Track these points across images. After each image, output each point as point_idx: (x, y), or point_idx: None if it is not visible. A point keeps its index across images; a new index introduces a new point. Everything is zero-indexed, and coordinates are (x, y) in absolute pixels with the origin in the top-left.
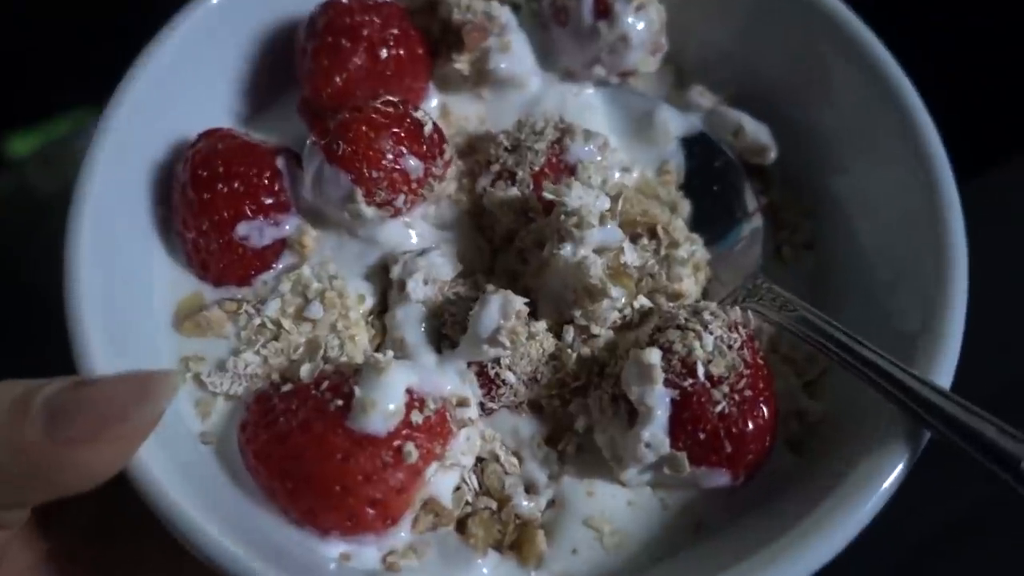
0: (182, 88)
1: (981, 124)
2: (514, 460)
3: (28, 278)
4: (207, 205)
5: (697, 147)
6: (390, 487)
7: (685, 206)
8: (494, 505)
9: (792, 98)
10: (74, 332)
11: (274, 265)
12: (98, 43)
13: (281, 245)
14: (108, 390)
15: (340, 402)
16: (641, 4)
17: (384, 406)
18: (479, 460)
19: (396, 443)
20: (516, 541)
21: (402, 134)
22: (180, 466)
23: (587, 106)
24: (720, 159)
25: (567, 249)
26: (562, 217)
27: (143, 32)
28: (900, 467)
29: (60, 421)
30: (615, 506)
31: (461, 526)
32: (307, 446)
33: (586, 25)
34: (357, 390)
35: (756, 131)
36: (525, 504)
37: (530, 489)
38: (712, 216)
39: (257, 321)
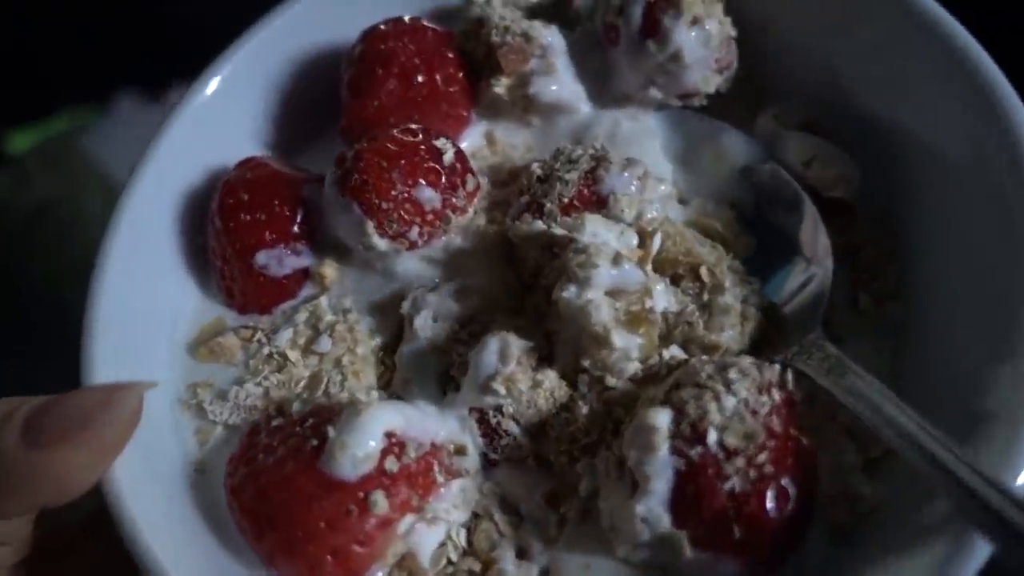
0: (229, 121)
1: None
2: (512, 519)
3: (26, 273)
4: (231, 233)
5: (764, 178)
6: (352, 537)
7: (747, 243)
8: (478, 568)
9: (882, 124)
10: (84, 351)
11: (296, 294)
12: (98, 41)
13: (303, 275)
14: (78, 399)
15: (316, 442)
16: (696, 17)
17: (355, 450)
18: (474, 516)
19: (363, 491)
20: None
21: (416, 163)
22: (166, 496)
23: (643, 132)
24: (789, 191)
25: (571, 291)
26: (570, 255)
27: (142, 31)
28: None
29: (33, 427)
30: None
31: None
32: (276, 485)
33: (635, 43)
34: (331, 431)
35: (833, 159)
36: (512, 570)
37: (523, 554)
38: (776, 255)
39: (266, 351)
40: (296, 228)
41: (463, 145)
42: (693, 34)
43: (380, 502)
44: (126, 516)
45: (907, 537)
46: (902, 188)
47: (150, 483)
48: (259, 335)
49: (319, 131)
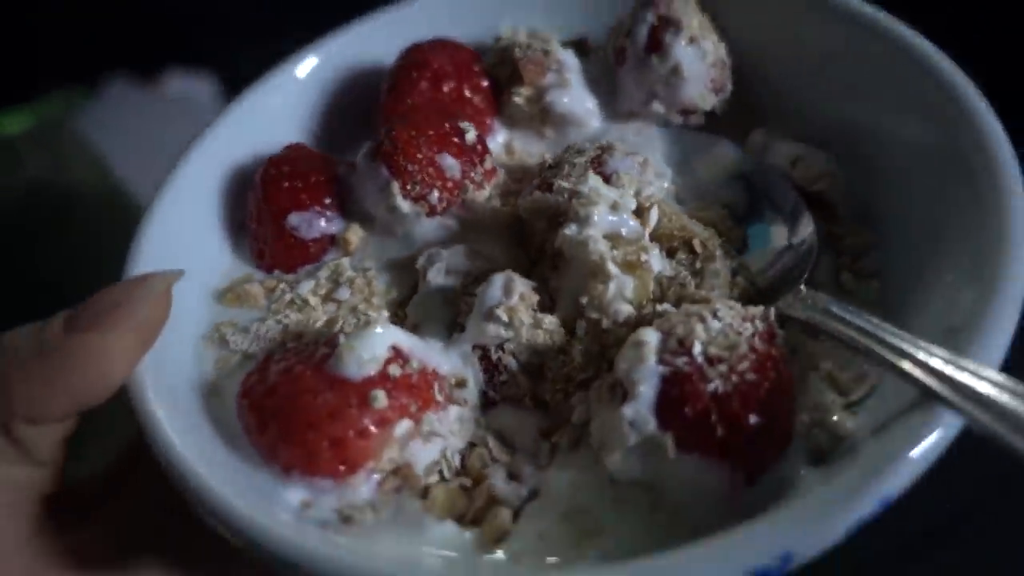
0: (279, 115)
1: None
2: (506, 450)
3: (18, 255)
4: (268, 198)
5: (755, 179)
6: (351, 428)
7: (739, 236)
8: (469, 483)
9: (862, 131)
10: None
11: (321, 258)
12: (88, 24)
13: (329, 241)
14: (110, 289)
15: (327, 350)
16: (693, 36)
17: (361, 352)
18: (471, 446)
19: (366, 388)
20: (478, 516)
21: (442, 135)
22: (178, 406)
23: (646, 143)
24: (777, 189)
25: (572, 228)
26: (572, 201)
27: (133, 14)
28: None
29: (74, 315)
30: (598, 501)
31: (426, 492)
32: (283, 383)
33: (640, 59)
34: (341, 338)
35: (815, 158)
36: (501, 484)
37: (514, 478)
38: (765, 243)
39: (288, 296)
40: (328, 197)
41: None
42: (691, 50)
43: (380, 398)
44: (154, 421)
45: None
46: (879, 185)
47: (172, 401)
48: (282, 285)
49: (358, 139)
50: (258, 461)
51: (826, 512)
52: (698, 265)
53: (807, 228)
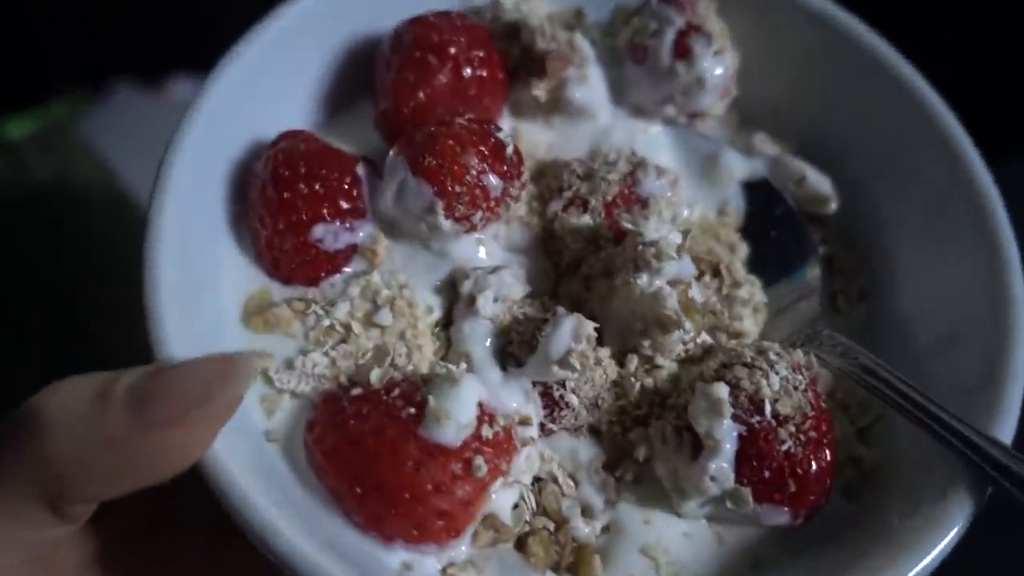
0: (264, 91)
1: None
2: (571, 483)
3: (24, 259)
4: (286, 204)
5: (758, 192)
6: (458, 499)
7: (743, 248)
8: (552, 526)
9: (853, 151)
10: (152, 321)
11: (344, 269)
12: (93, 28)
13: (352, 250)
14: (190, 372)
15: (412, 410)
16: (720, 49)
17: (458, 417)
18: (536, 480)
19: (467, 455)
20: (573, 564)
21: (487, 152)
22: (248, 463)
23: (654, 143)
24: (780, 206)
25: (643, 279)
26: (639, 247)
27: (138, 18)
28: (962, 521)
29: (146, 406)
30: (671, 536)
31: (520, 544)
32: (379, 451)
33: (664, 64)
34: (431, 399)
35: (819, 182)
36: (582, 527)
37: (586, 513)
38: (769, 261)
39: (326, 323)
40: (351, 204)
41: None
42: (716, 63)
43: (482, 466)
44: (230, 482)
45: (904, 491)
46: (872, 208)
47: (233, 448)
48: (314, 307)
49: (340, 111)
50: (341, 513)
51: None
52: (725, 291)
53: (814, 259)
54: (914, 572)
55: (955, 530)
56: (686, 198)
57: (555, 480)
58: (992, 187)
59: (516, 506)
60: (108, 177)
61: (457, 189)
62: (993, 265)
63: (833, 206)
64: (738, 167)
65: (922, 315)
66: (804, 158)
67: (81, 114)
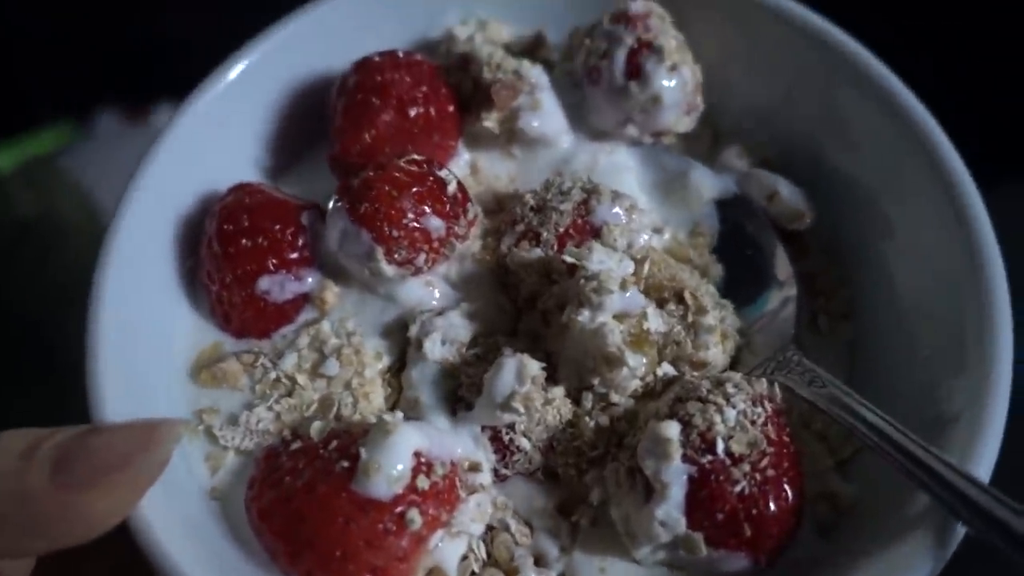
0: (215, 143)
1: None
2: (525, 530)
3: (6, 293)
4: (231, 259)
5: (731, 210)
6: (391, 554)
7: (717, 270)
8: None
9: (829, 161)
10: (91, 381)
11: (295, 319)
12: (80, 58)
13: (303, 300)
14: (112, 436)
15: (346, 463)
16: (674, 64)
17: (389, 470)
18: (489, 528)
19: (399, 509)
20: None
21: (424, 193)
22: (186, 522)
23: (619, 166)
24: (753, 223)
25: (584, 315)
26: (581, 281)
27: (123, 51)
28: (931, 566)
29: (63, 467)
30: None
31: None
32: (309, 507)
33: (617, 85)
34: (363, 452)
35: (792, 196)
36: None
37: (539, 561)
38: (744, 281)
39: (273, 375)
40: (297, 254)
41: None
42: (671, 79)
43: (416, 520)
44: (155, 544)
45: (881, 528)
46: (851, 221)
47: (169, 511)
48: (262, 359)
49: (300, 155)
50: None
51: None
52: (690, 319)
53: (790, 283)
54: None
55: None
56: (655, 220)
57: (507, 528)
58: (977, 199)
59: (465, 558)
60: (91, 211)
61: (395, 234)
62: (980, 286)
63: (808, 221)
64: (708, 185)
65: (906, 334)
66: (778, 171)
67: (65, 146)
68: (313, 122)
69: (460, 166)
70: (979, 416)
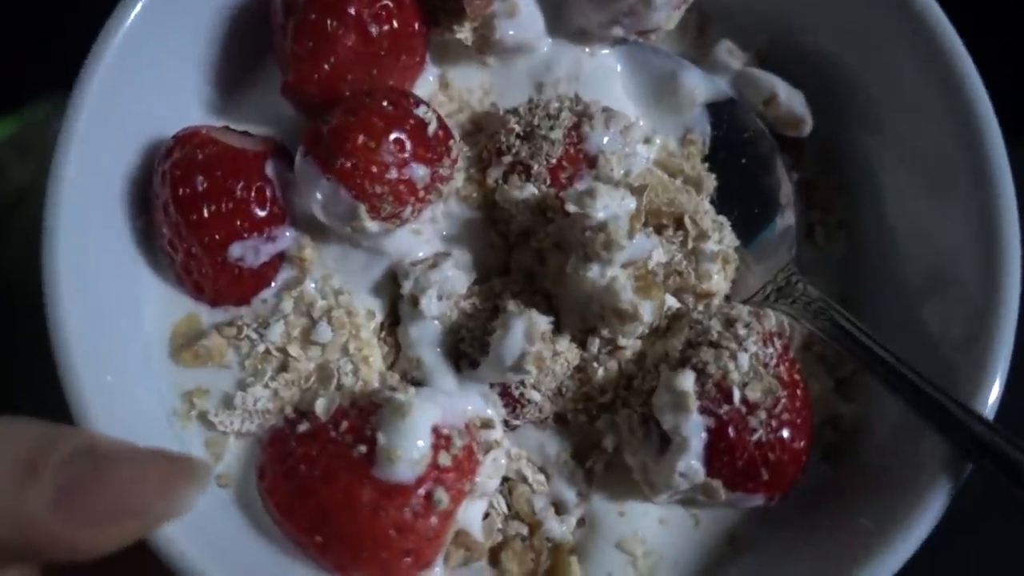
0: (146, 80)
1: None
2: (541, 478)
3: (4, 263)
4: (194, 227)
5: (725, 114)
6: (422, 536)
7: (710, 181)
8: (525, 531)
9: (827, 52)
10: (64, 374)
11: (273, 282)
12: (75, 26)
13: (279, 260)
14: (129, 474)
15: (363, 448)
16: None
17: (411, 453)
18: (505, 479)
19: (425, 489)
20: (550, 569)
21: (404, 139)
22: (198, 516)
23: (603, 68)
24: (750, 129)
25: (594, 271)
26: (587, 233)
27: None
28: (939, 503)
29: (71, 500)
30: (647, 525)
31: (493, 556)
32: (334, 500)
33: None
34: (381, 437)
35: (791, 100)
36: (556, 527)
37: (559, 509)
38: (739, 192)
39: (261, 348)
40: (266, 212)
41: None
42: None
43: (443, 498)
44: (169, 539)
45: (884, 454)
46: (849, 120)
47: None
48: (247, 331)
49: (248, 82)
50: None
51: None
52: (691, 245)
53: (789, 199)
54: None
55: (931, 509)
56: (646, 128)
57: (524, 479)
58: (988, 108)
59: (487, 515)
60: None
61: (378, 190)
62: (986, 200)
63: (808, 128)
64: (701, 87)
65: (907, 251)
66: (772, 67)
67: (56, 115)
68: (256, 41)
69: (428, 82)
70: (984, 348)
